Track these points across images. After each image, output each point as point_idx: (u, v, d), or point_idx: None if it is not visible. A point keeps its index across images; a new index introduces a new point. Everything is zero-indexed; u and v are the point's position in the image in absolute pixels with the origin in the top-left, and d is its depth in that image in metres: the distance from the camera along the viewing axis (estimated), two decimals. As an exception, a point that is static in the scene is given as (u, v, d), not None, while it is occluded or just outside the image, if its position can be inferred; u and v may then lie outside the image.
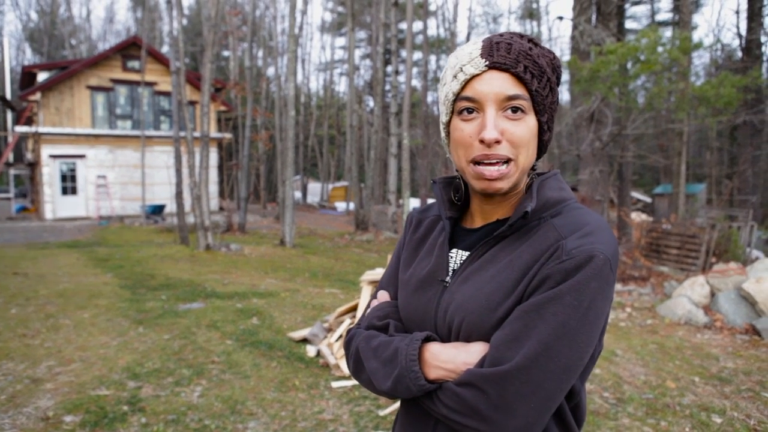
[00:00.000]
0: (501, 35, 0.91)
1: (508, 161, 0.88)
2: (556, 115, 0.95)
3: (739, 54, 23.96)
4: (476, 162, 0.89)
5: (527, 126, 0.88)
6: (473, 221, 1.02)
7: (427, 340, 0.91)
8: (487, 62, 0.87)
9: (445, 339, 0.93)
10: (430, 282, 0.99)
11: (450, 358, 0.86)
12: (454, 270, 0.98)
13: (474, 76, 0.88)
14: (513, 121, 0.87)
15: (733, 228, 9.84)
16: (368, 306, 1.11)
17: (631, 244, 10.41)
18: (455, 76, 0.91)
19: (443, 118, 0.96)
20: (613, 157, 13.18)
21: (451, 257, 1.00)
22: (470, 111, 0.89)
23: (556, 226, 0.88)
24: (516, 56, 0.87)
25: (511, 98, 0.87)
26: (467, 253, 0.98)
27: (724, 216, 12.12)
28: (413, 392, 0.87)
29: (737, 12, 24.90)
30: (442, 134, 0.99)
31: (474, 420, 0.80)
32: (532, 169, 1.00)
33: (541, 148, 0.95)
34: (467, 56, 0.90)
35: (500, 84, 0.87)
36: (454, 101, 0.91)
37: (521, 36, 0.91)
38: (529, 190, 0.93)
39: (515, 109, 0.87)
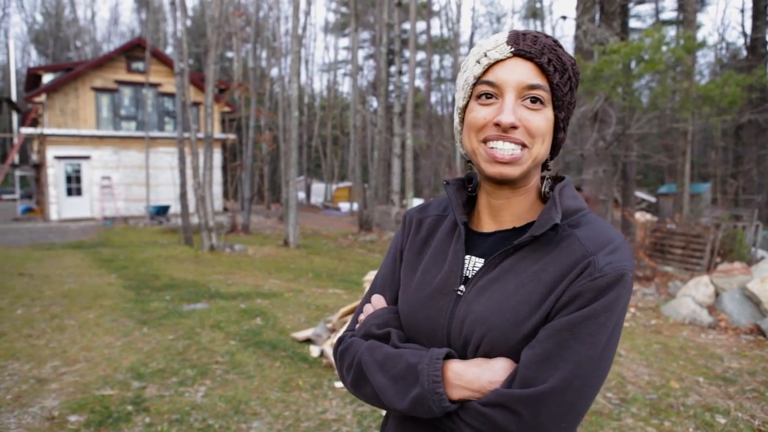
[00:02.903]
0: (527, 30, 0.91)
1: (523, 147, 0.87)
2: (572, 118, 0.95)
3: (744, 53, 23.86)
4: (488, 141, 0.88)
5: (545, 117, 0.87)
6: (482, 224, 0.98)
7: (446, 357, 0.86)
8: (513, 49, 0.86)
9: (460, 352, 0.88)
10: (442, 291, 0.94)
11: (475, 378, 0.82)
12: (467, 278, 0.93)
13: (498, 62, 0.87)
14: (531, 111, 0.86)
15: (738, 228, 9.80)
16: (360, 311, 1.05)
17: (636, 244, 10.38)
18: (478, 61, 0.89)
19: (459, 103, 0.94)
20: (617, 157, 13.15)
21: (465, 264, 0.95)
22: (489, 96, 0.88)
23: (580, 240, 0.86)
24: (541, 48, 0.87)
25: (532, 87, 0.86)
26: (482, 261, 0.93)
27: (729, 216, 12.08)
28: (435, 413, 0.82)
29: (742, 11, 24.84)
30: (456, 120, 0.96)
31: None
32: (545, 167, 0.98)
33: (555, 146, 0.94)
34: (493, 42, 0.89)
35: (523, 72, 0.86)
36: (474, 85, 0.90)
37: (546, 35, 0.90)
38: (551, 199, 0.89)
39: (534, 99, 0.86)
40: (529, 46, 0.86)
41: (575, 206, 0.91)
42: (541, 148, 0.88)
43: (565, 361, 0.78)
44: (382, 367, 0.89)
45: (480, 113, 0.88)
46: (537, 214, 0.94)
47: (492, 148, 0.87)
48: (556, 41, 0.89)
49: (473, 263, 0.94)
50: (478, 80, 0.89)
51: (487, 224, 0.97)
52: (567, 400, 0.77)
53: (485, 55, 0.88)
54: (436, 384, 0.82)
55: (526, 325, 0.83)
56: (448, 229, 1.01)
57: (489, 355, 0.85)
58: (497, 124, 0.86)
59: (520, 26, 38.49)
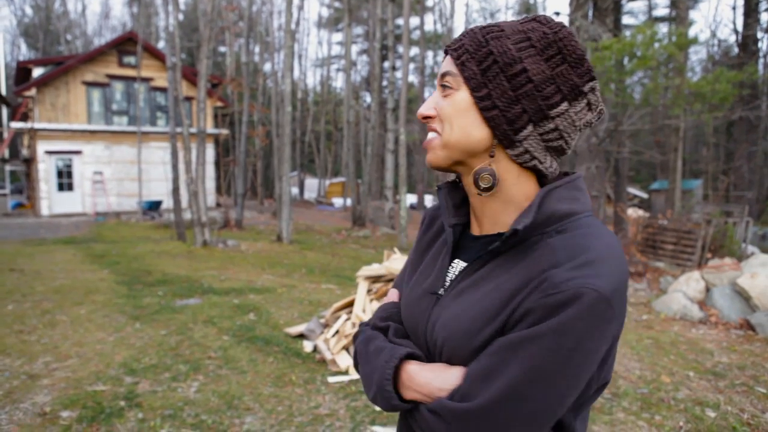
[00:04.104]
0: (482, 24, 0.91)
1: (439, 134, 0.88)
2: (532, 95, 0.81)
3: (736, 50, 23.98)
4: None
5: (452, 101, 0.85)
6: (474, 227, 0.95)
7: (411, 357, 0.88)
8: (445, 48, 0.91)
9: (431, 355, 0.88)
10: (427, 293, 0.94)
11: (425, 383, 0.82)
12: (451, 281, 0.92)
13: None
14: (443, 98, 0.87)
15: (729, 224, 9.88)
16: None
17: (627, 240, 10.45)
18: None
19: None
20: (610, 153, 13.21)
21: (452, 267, 0.94)
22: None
23: (555, 249, 0.79)
24: (460, 38, 0.87)
25: (443, 76, 0.87)
26: (464, 266, 0.92)
27: (720, 212, 12.17)
28: (386, 409, 0.86)
29: (734, 8, 24.95)
30: None
31: None
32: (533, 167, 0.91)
33: (496, 126, 0.83)
34: None
35: (443, 65, 0.89)
36: None
37: (490, 25, 0.86)
38: (534, 200, 0.83)
39: (444, 86, 0.87)
40: (453, 41, 0.88)
41: (567, 209, 0.82)
42: (452, 132, 0.85)
43: (499, 381, 0.74)
44: (367, 358, 0.92)
45: None
46: None
47: None
48: (490, 25, 0.86)
49: (458, 267, 0.92)
50: None
51: (475, 228, 0.94)
52: (497, 421, 0.74)
53: None
54: (386, 382, 0.84)
55: (479, 337, 0.80)
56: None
57: (450, 361, 0.84)
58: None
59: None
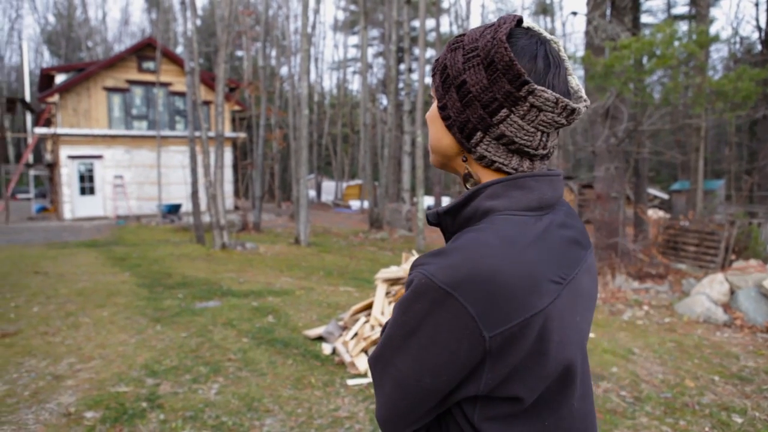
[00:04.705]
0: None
1: None
2: (469, 96, 0.86)
3: (759, 47, 23.53)
4: None
5: (431, 110, 0.95)
6: None
7: None
8: None
9: None
10: None
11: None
12: None
13: None
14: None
15: (753, 224, 9.67)
16: None
17: (648, 241, 10.29)
18: None
19: None
20: (629, 154, 13.04)
21: None
22: None
23: (451, 240, 0.84)
24: (441, 53, 0.95)
25: None
26: None
27: (744, 212, 11.95)
28: None
29: (757, 4, 24.49)
30: None
31: None
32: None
33: (453, 134, 0.88)
34: None
35: None
36: None
37: (464, 34, 0.90)
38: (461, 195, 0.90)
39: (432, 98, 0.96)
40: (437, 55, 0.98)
41: (487, 206, 0.84)
42: (431, 138, 0.95)
43: (381, 339, 0.85)
44: None
45: None
46: None
47: None
48: (459, 36, 0.91)
49: None
50: None
51: None
52: (377, 373, 0.85)
53: None
54: None
55: None
56: None
57: None
58: None
59: (530, 23, 38.20)
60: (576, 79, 0.90)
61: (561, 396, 0.84)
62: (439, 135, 0.92)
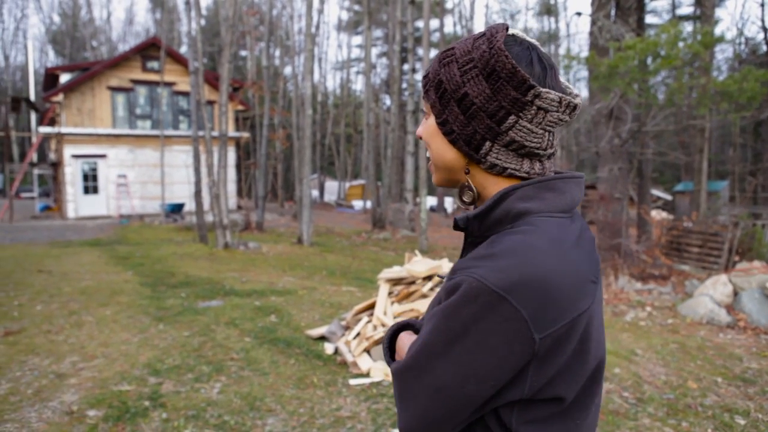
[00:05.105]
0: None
1: None
2: (472, 109, 0.85)
3: (764, 47, 23.45)
4: None
5: (427, 126, 0.94)
6: None
7: (407, 327, 1.03)
8: None
9: None
10: None
11: (401, 347, 0.96)
12: None
13: None
14: (425, 122, 0.95)
15: (757, 226, 9.64)
16: None
17: (651, 243, 10.27)
18: None
19: None
20: (633, 154, 13.00)
21: None
22: None
23: (486, 242, 0.83)
24: (428, 67, 0.94)
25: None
26: None
27: (748, 213, 11.90)
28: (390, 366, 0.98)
29: (762, 5, 24.41)
30: None
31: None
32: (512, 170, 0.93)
33: (459, 147, 0.88)
34: None
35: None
36: None
37: (453, 48, 0.90)
38: (490, 198, 0.88)
39: (424, 112, 0.96)
40: (424, 71, 0.99)
41: (521, 208, 0.83)
42: (432, 155, 0.93)
43: (413, 348, 0.83)
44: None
45: None
46: None
47: None
48: (447, 50, 0.91)
49: None
50: None
51: None
52: (406, 385, 0.83)
53: None
54: (385, 348, 1.02)
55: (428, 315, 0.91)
56: None
57: None
58: None
59: (534, 23, 38.21)
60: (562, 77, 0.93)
61: (592, 393, 0.86)
62: (441, 151, 0.91)
